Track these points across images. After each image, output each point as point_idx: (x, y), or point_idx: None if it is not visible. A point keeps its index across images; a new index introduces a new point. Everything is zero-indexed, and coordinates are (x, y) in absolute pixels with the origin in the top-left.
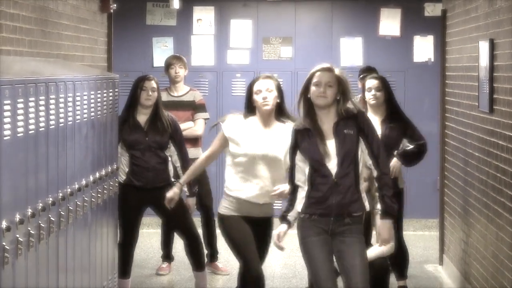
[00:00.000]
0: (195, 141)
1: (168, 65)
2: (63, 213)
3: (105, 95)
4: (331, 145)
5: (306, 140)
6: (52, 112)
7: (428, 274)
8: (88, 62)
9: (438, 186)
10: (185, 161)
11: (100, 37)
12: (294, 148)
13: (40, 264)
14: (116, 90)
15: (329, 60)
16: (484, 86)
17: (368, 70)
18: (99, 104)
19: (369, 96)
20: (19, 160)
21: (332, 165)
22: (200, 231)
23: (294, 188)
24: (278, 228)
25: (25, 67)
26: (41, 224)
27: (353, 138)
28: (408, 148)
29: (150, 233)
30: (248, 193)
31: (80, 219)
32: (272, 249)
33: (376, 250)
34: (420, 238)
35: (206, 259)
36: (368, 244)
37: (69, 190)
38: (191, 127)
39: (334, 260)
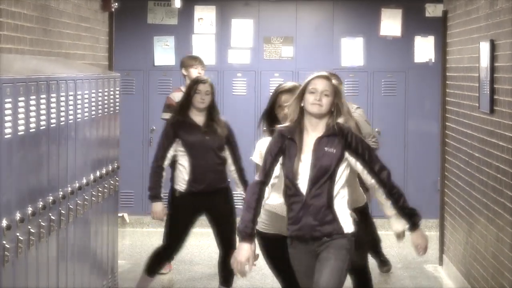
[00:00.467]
0: None
1: (190, 65)
2: (63, 212)
3: (106, 93)
4: (306, 161)
5: (287, 151)
6: (53, 110)
7: (428, 274)
8: (89, 60)
9: (438, 187)
10: (239, 165)
11: (101, 35)
12: (277, 155)
13: (40, 263)
14: (117, 88)
15: (330, 60)
16: (485, 87)
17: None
18: (100, 103)
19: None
20: (20, 158)
21: (304, 183)
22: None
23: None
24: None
25: (26, 65)
26: (42, 223)
27: (333, 157)
28: None
29: (150, 232)
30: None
31: (80, 218)
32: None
33: None
34: None
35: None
36: (365, 240)
37: (69, 188)
38: None
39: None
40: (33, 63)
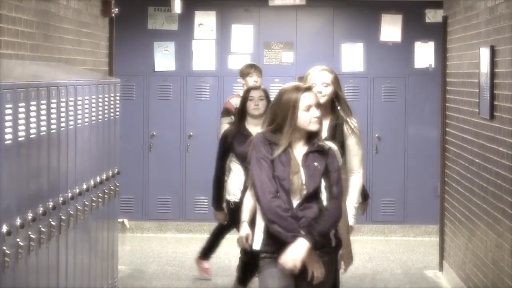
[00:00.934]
0: None
1: (246, 74)
2: (63, 217)
3: (106, 99)
4: (299, 175)
5: (279, 164)
6: (53, 116)
7: (428, 280)
8: (90, 66)
9: (438, 192)
10: None
11: (102, 41)
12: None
13: (40, 268)
14: (118, 94)
15: (330, 65)
16: (485, 93)
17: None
18: (100, 108)
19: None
20: (20, 164)
21: (296, 196)
22: None
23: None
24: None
25: (27, 71)
26: (42, 228)
27: (320, 173)
28: None
29: (150, 238)
30: None
31: (80, 223)
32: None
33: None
34: (420, 243)
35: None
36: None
37: (69, 194)
38: None
39: None
40: (33, 68)
